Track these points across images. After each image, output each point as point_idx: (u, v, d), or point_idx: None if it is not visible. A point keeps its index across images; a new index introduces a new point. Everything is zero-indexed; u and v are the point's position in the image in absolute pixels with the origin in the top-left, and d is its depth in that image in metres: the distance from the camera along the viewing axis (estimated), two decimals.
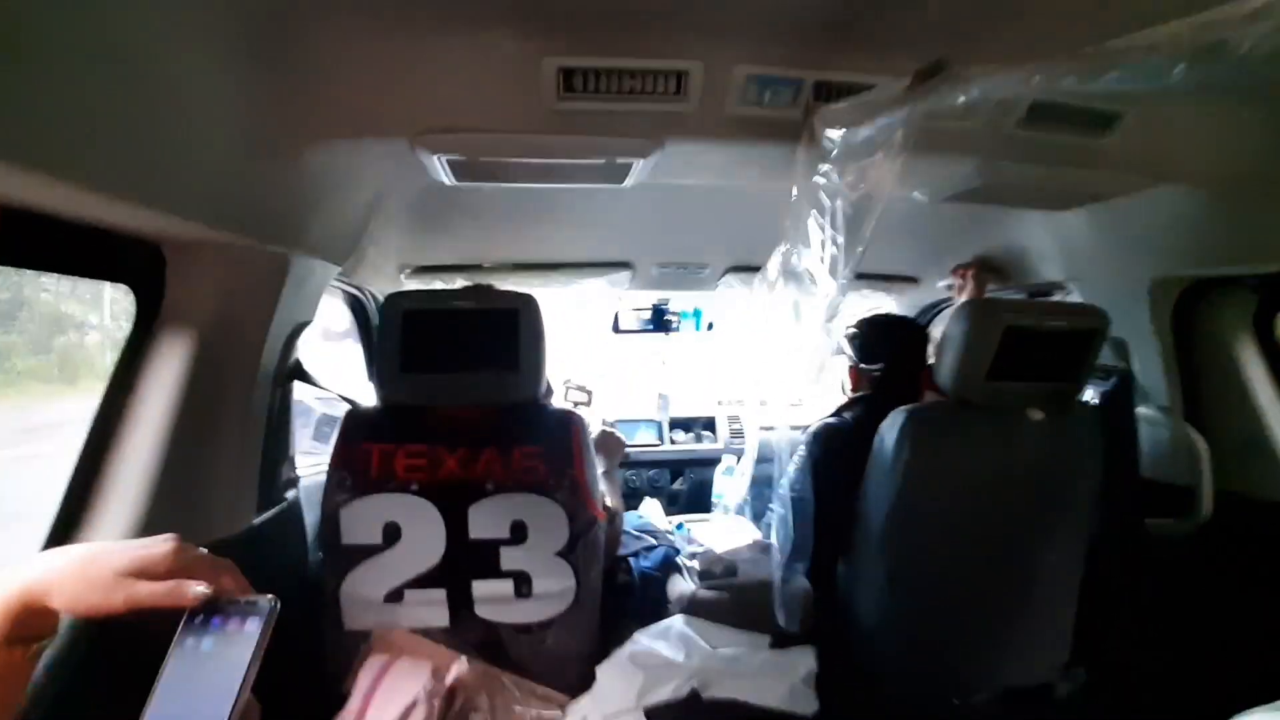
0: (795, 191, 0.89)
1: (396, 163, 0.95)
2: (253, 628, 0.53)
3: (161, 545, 0.54)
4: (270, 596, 0.55)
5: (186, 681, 0.51)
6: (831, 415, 1.42)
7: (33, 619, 0.51)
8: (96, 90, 0.55)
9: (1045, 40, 0.65)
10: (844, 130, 0.75)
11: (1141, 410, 1.39)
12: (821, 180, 0.79)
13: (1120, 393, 1.42)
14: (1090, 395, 1.46)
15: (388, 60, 0.80)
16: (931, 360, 1.29)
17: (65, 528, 0.80)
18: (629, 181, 1.03)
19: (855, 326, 1.51)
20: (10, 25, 0.45)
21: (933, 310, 2.17)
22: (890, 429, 1.21)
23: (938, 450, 1.19)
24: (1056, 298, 1.67)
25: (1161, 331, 1.32)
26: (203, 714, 0.49)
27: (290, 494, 1.21)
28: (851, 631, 1.31)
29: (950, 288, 1.81)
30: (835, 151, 0.76)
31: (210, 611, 0.53)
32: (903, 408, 1.21)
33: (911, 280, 1.95)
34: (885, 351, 1.45)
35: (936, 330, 1.58)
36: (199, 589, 0.52)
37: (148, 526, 0.82)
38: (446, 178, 0.99)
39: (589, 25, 0.77)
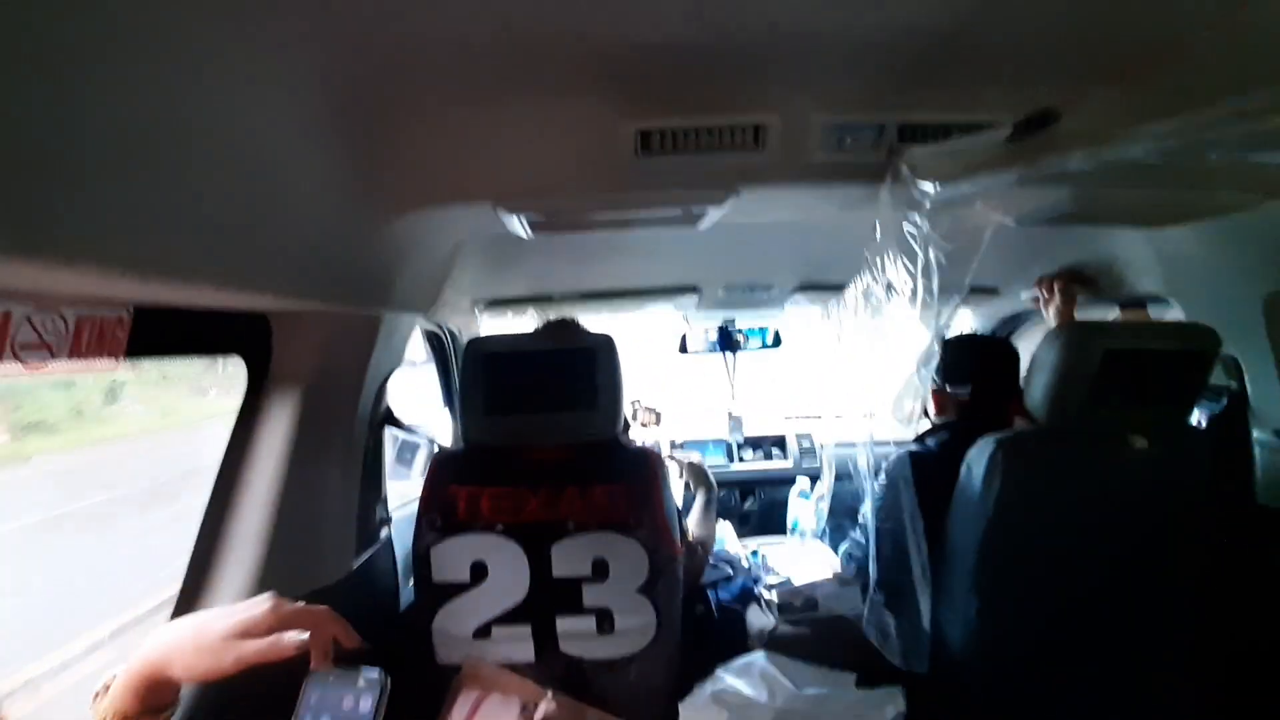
0: (880, 231, 0.86)
1: (478, 219, 0.98)
2: (366, 705, 0.56)
3: (259, 605, 0.59)
4: (379, 671, 0.58)
5: None
6: (915, 442, 1.38)
7: (158, 690, 0.58)
8: (208, 193, 0.59)
9: (1155, 84, 0.61)
10: (937, 183, 0.72)
11: (1256, 434, 1.29)
12: (911, 229, 0.77)
13: (1232, 414, 1.32)
14: (1197, 418, 1.36)
15: (472, 130, 0.82)
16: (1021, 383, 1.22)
17: (195, 583, 0.86)
18: (703, 225, 1.03)
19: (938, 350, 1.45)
20: (134, 151, 0.49)
21: (1013, 323, 2.07)
22: (979, 458, 1.16)
23: (1031, 481, 1.13)
24: (1151, 310, 1.57)
25: (1279, 350, 1.22)
26: None
27: (384, 533, 1.27)
28: (940, 670, 1.26)
29: (1035, 300, 1.72)
30: (928, 203, 0.74)
31: (324, 689, 0.57)
32: (991, 435, 1.16)
33: (992, 292, 1.86)
34: (971, 373, 1.39)
35: (1019, 345, 1.51)
36: (296, 638, 0.57)
37: (264, 577, 0.87)
38: (525, 233, 1.01)
39: (666, 88, 0.77)
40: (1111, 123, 0.56)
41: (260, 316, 0.90)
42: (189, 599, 0.85)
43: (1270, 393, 1.25)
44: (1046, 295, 1.63)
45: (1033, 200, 0.98)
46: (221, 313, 0.79)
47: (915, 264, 0.78)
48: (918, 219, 0.76)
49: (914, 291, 0.79)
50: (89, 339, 0.58)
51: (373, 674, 0.59)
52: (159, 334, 0.72)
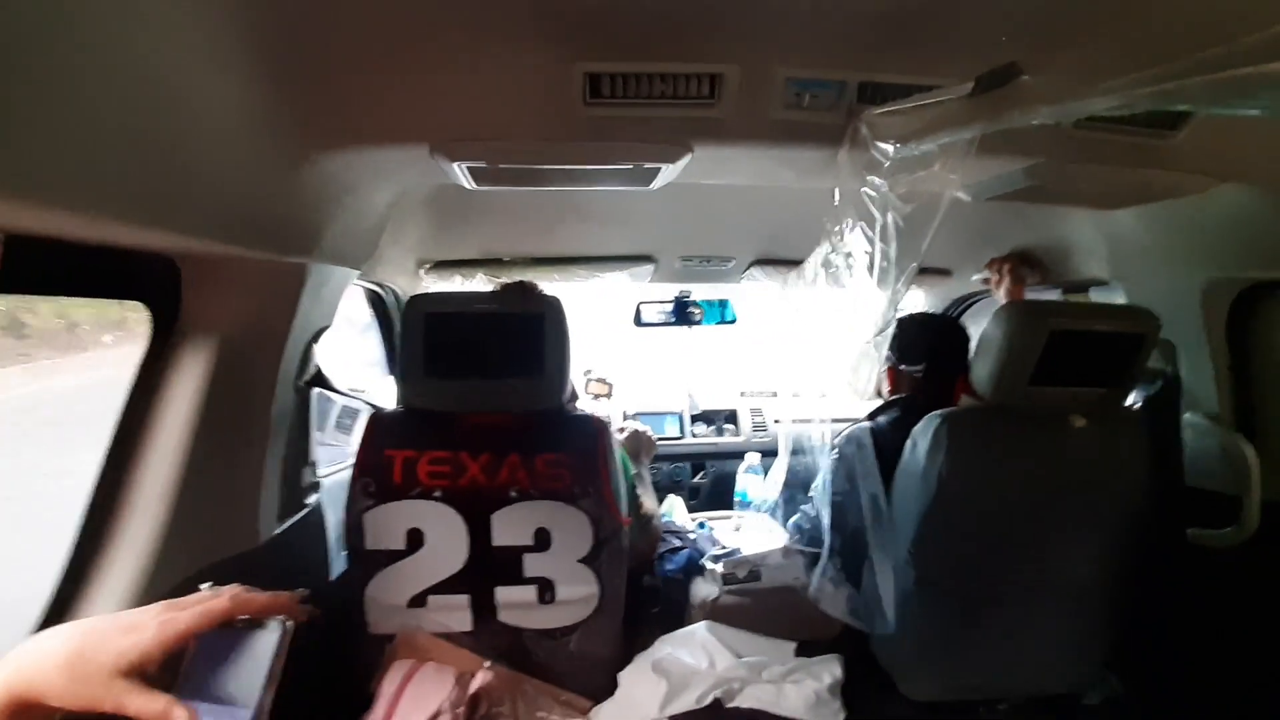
0: (838, 196, 0.84)
1: (415, 166, 0.91)
2: (265, 649, 0.54)
3: (152, 622, 0.51)
4: (281, 618, 0.55)
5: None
6: (867, 419, 1.38)
7: (28, 715, 0.49)
8: (101, 111, 0.52)
9: (1122, 40, 0.59)
10: (896, 144, 0.69)
11: (1187, 417, 1.33)
12: (870, 192, 0.74)
13: (1165, 397, 1.36)
14: (1132, 399, 1.40)
15: (407, 67, 0.76)
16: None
17: (88, 547, 0.79)
18: (656, 184, 0.99)
19: (894, 325, 1.45)
20: (9, 52, 0.42)
21: (963, 304, 2.10)
22: (923, 434, 1.17)
23: (974, 457, 1.15)
24: (1092, 294, 1.61)
25: (1214, 335, 1.26)
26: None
27: (312, 499, 1.20)
28: (877, 638, 1.28)
29: (985, 282, 1.75)
30: (887, 165, 0.71)
31: (213, 641, 0.54)
32: (937, 412, 1.17)
33: (944, 273, 1.88)
34: (925, 351, 1.40)
35: (969, 326, 1.53)
36: (183, 714, 0.49)
37: (168, 543, 0.81)
38: (467, 183, 0.95)
39: (618, 29, 0.72)
40: (1076, 77, 0.54)
41: (166, 259, 0.82)
42: (78, 568, 0.77)
43: (1203, 376, 1.29)
44: (997, 277, 1.66)
45: (990, 170, 0.97)
46: (119, 250, 0.71)
47: (874, 228, 0.76)
48: (876, 181, 0.74)
49: (871, 259, 0.77)
50: None
51: (272, 621, 0.55)
52: (39, 267, 0.64)
